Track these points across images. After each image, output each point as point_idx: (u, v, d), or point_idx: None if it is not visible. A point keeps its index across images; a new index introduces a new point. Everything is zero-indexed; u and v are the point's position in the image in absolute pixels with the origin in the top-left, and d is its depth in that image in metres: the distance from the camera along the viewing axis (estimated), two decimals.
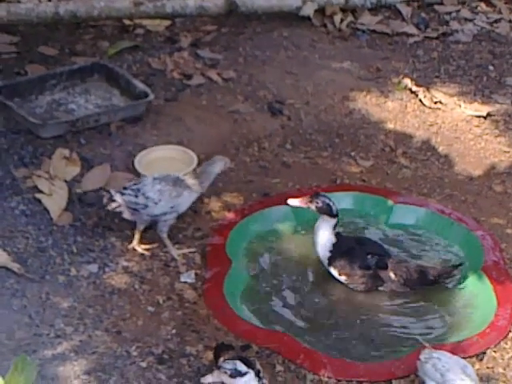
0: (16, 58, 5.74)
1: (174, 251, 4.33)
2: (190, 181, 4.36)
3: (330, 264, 4.25)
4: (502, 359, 3.88)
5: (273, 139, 5.26)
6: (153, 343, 3.85)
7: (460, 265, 4.27)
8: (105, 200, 4.27)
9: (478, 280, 4.24)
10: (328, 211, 4.23)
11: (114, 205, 4.26)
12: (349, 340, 4.00)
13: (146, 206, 4.24)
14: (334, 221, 4.25)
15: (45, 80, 5.39)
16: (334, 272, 4.24)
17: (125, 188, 4.29)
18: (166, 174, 4.40)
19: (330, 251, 4.24)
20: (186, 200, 4.33)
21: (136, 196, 4.24)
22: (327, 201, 4.24)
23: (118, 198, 4.23)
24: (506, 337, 3.97)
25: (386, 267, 4.19)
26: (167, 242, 4.34)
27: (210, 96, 5.59)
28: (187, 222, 4.56)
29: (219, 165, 4.45)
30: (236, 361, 3.51)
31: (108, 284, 4.14)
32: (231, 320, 3.97)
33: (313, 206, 4.26)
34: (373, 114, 5.59)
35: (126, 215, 4.29)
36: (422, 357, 3.62)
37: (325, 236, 4.25)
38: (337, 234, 4.26)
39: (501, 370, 3.82)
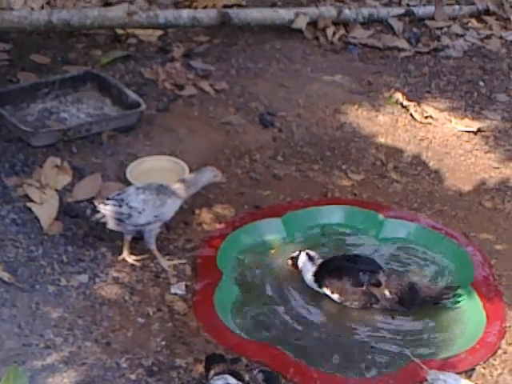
0: (8, 65, 5.72)
1: (165, 262, 4.32)
2: (176, 185, 4.35)
3: (320, 286, 4.27)
4: (491, 376, 3.88)
5: (264, 151, 5.27)
6: (142, 355, 3.84)
7: (456, 287, 4.25)
8: (88, 211, 4.27)
9: (467, 296, 4.25)
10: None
11: (98, 216, 4.26)
12: (339, 355, 3.99)
13: (130, 216, 4.23)
14: (313, 268, 4.28)
15: (37, 88, 5.37)
16: (327, 291, 4.25)
17: (108, 198, 4.28)
18: (148, 182, 4.40)
19: (314, 275, 4.27)
20: (170, 208, 4.32)
21: (120, 206, 4.23)
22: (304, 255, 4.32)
23: (101, 208, 4.23)
24: (495, 353, 3.98)
25: (379, 284, 4.20)
26: (157, 253, 4.33)
27: (202, 107, 5.59)
28: (178, 234, 4.56)
29: (208, 175, 4.44)
30: (225, 375, 3.50)
31: (98, 295, 4.13)
32: (221, 333, 3.97)
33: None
34: (364, 128, 5.61)
35: (111, 226, 4.28)
36: (428, 378, 3.61)
37: (306, 269, 4.31)
38: (320, 264, 4.29)
39: None
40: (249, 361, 3.81)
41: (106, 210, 4.22)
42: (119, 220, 4.24)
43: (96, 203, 4.26)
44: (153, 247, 4.32)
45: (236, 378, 3.49)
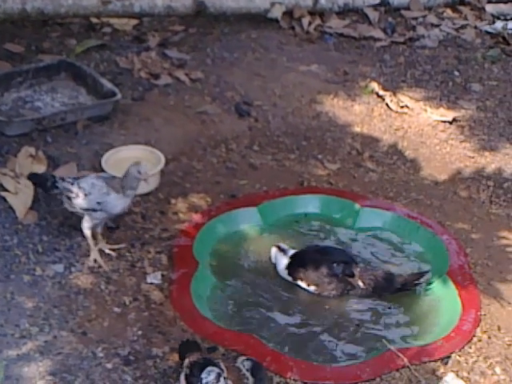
0: None
1: (94, 252, 4.24)
2: (117, 180, 4.25)
3: (295, 279, 4.27)
4: (467, 363, 3.91)
5: (240, 141, 5.26)
6: (119, 344, 3.83)
7: (426, 272, 4.29)
8: (49, 183, 4.26)
9: (443, 284, 4.27)
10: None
11: (55, 191, 4.26)
12: (315, 342, 4.00)
13: (77, 196, 4.21)
14: (286, 261, 4.29)
15: (11, 77, 5.34)
16: (303, 284, 4.26)
17: (69, 177, 4.28)
18: (108, 173, 4.40)
19: (287, 268, 4.28)
20: (113, 201, 4.21)
21: (72, 184, 4.22)
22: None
23: (59, 183, 4.23)
24: (470, 341, 4.01)
25: (352, 275, 4.22)
26: (90, 241, 4.25)
27: (178, 96, 5.58)
28: (154, 223, 4.54)
29: (132, 169, 4.22)
30: (213, 368, 3.48)
31: (74, 284, 4.11)
32: (198, 322, 3.96)
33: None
34: (340, 117, 5.61)
35: (67, 205, 4.26)
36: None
37: (279, 262, 4.31)
38: (291, 256, 4.30)
39: (465, 374, 3.85)
40: (225, 350, 3.81)
41: (62, 185, 4.21)
42: (68, 198, 4.22)
43: (57, 177, 4.25)
44: (87, 232, 4.25)
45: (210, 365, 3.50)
